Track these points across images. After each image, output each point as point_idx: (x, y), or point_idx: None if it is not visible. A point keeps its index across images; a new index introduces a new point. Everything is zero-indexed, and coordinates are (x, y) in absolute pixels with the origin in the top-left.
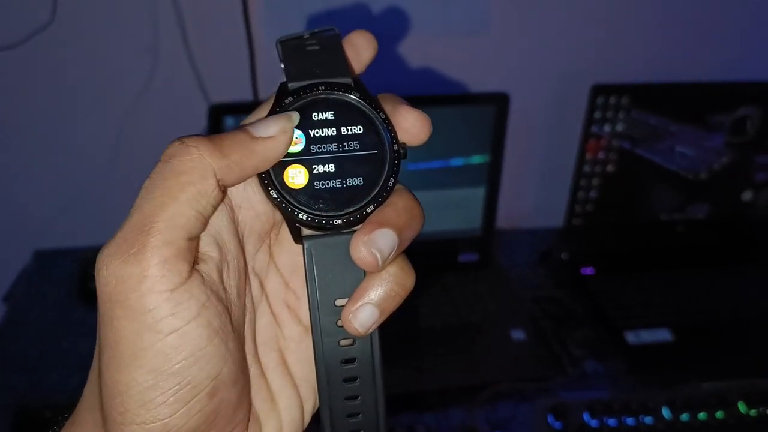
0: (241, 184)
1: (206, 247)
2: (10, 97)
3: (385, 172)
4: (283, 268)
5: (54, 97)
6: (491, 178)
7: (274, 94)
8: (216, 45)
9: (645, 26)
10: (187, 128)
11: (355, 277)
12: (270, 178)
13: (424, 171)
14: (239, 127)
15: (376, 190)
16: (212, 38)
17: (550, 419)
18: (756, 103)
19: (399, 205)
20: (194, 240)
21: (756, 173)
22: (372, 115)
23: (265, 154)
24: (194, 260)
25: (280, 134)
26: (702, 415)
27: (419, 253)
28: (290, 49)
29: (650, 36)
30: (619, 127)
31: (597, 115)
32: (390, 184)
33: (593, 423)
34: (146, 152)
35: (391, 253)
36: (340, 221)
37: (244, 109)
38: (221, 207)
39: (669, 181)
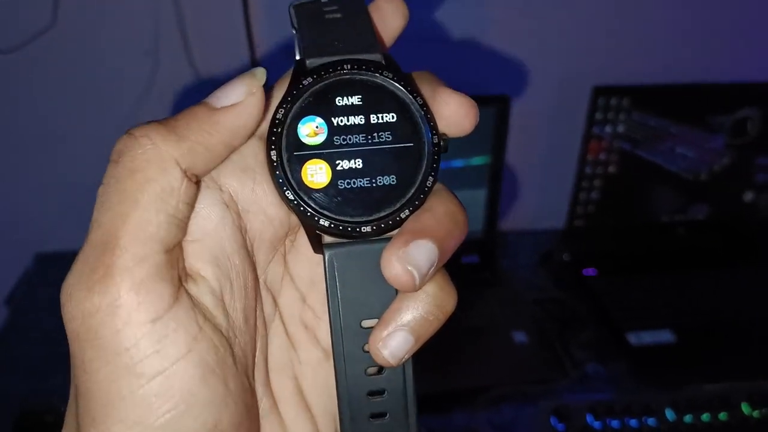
0: (249, 184)
1: (197, 263)
2: (12, 99)
3: (423, 169)
4: (300, 280)
5: (55, 100)
6: (493, 179)
7: (289, 74)
8: (217, 48)
9: (646, 28)
10: None
11: (386, 294)
12: (285, 176)
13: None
14: (199, 103)
15: (412, 191)
16: (213, 41)
17: (553, 421)
18: (756, 104)
19: (439, 210)
20: (172, 251)
21: (757, 174)
22: (407, 101)
23: (233, 126)
24: (179, 277)
25: (246, 97)
26: (705, 417)
27: None
28: (307, 16)
29: (651, 38)
30: (620, 129)
31: (598, 116)
32: (428, 183)
33: (596, 425)
34: None
35: (430, 270)
36: (368, 228)
37: None
38: (223, 214)
39: (670, 183)
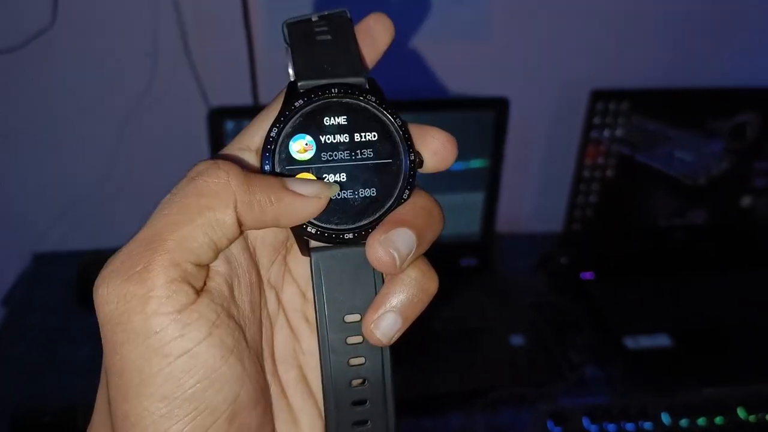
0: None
1: (215, 262)
2: (10, 100)
3: (400, 183)
4: (300, 278)
5: (54, 100)
6: (491, 182)
7: (283, 93)
8: (216, 49)
9: (644, 32)
10: (187, 132)
11: (367, 291)
12: None
13: (423, 175)
14: (279, 177)
15: (390, 202)
16: (212, 42)
17: (550, 425)
18: (755, 108)
19: (417, 204)
20: (203, 267)
21: (755, 179)
22: (387, 122)
23: (290, 208)
24: (204, 281)
25: (313, 197)
26: (701, 421)
27: None
28: (298, 36)
29: (649, 42)
30: (619, 133)
31: (596, 120)
32: (405, 196)
33: (593, 428)
34: (146, 156)
35: (410, 254)
36: (351, 235)
37: (244, 113)
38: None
39: (668, 187)
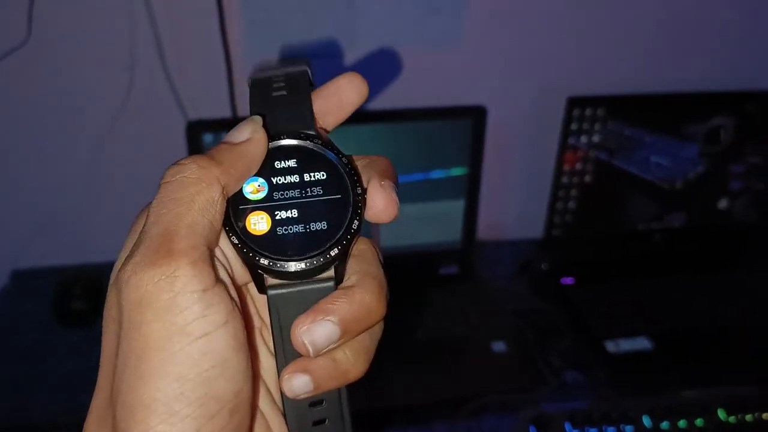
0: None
1: (220, 273)
2: None
3: (349, 215)
4: (257, 299)
5: (30, 115)
6: (470, 190)
7: None
8: (193, 62)
9: (619, 39)
10: (166, 145)
11: None
12: (231, 225)
13: (404, 184)
14: (221, 142)
15: (340, 233)
16: (189, 55)
17: (532, 430)
18: (729, 113)
19: (356, 297)
20: (212, 252)
21: (731, 182)
22: (334, 161)
23: (251, 154)
24: (216, 271)
25: (254, 134)
26: (682, 423)
27: (399, 266)
28: (257, 91)
29: (624, 48)
30: (596, 139)
31: (573, 126)
32: (354, 226)
33: None
34: (124, 170)
35: (327, 346)
36: (303, 265)
37: (222, 126)
38: None
39: (646, 191)
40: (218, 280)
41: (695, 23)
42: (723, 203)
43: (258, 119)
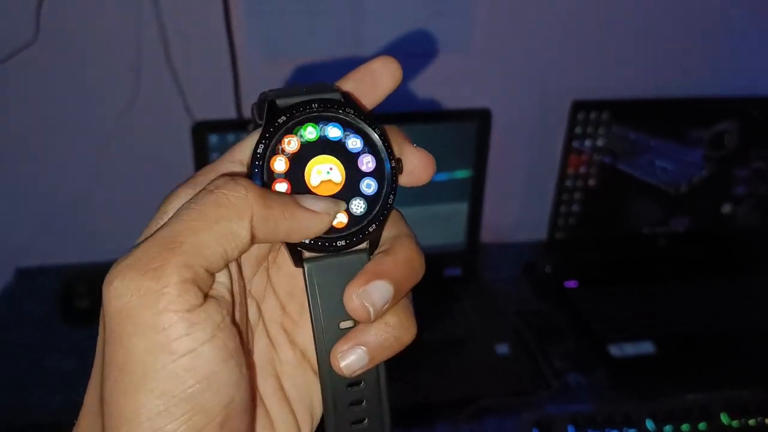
0: None
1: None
2: None
3: (385, 189)
4: (280, 291)
5: (37, 115)
6: (474, 192)
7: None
8: (199, 62)
9: (624, 43)
10: (171, 145)
11: None
12: None
13: (408, 186)
14: (293, 195)
15: (377, 208)
16: (195, 56)
17: None
18: (733, 117)
19: (399, 255)
20: (211, 275)
21: (735, 186)
22: (368, 132)
23: (302, 223)
24: (209, 290)
25: (324, 213)
26: (685, 427)
27: None
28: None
29: (629, 53)
30: (600, 142)
31: (578, 130)
32: (390, 201)
33: None
34: (130, 170)
35: (384, 306)
36: (342, 242)
37: (228, 126)
38: None
39: (650, 195)
40: (207, 298)
41: (700, 28)
42: (727, 208)
43: (342, 206)
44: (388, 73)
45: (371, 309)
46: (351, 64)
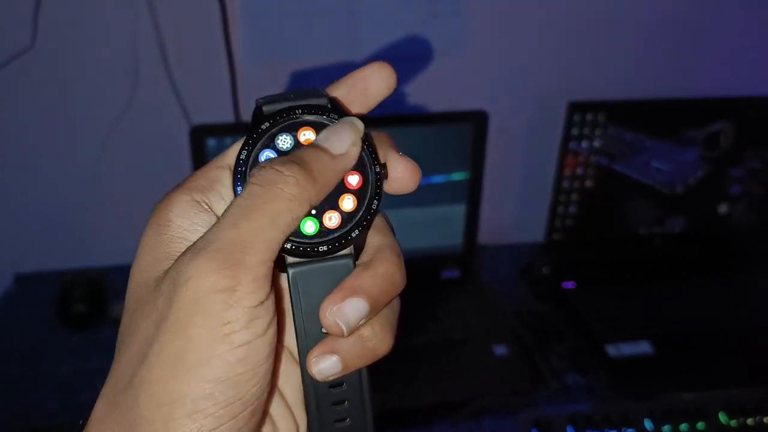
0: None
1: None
2: None
3: (368, 194)
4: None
5: (34, 119)
6: (472, 194)
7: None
8: (197, 66)
9: (620, 44)
10: (169, 149)
11: None
12: None
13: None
14: (314, 146)
15: (360, 214)
16: (193, 60)
17: None
18: (729, 118)
19: (379, 270)
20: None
21: (730, 186)
22: None
23: (342, 171)
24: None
25: (351, 148)
26: (683, 426)
27: None
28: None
29: (625, 54)
30: (596, 144)
31: (574, 131)
32: (373, 206)
33: None
34: (127, 173)
35: (359, 322)
36: (325, 247)
37: (225, 130)
38: None
39: (646, 196)
40: (271, 290)
41: (695, 29)
42: (723, 208)
43: (361, 126)
44: (381, 78)
45: (344, 327)
46: (348, 67)
